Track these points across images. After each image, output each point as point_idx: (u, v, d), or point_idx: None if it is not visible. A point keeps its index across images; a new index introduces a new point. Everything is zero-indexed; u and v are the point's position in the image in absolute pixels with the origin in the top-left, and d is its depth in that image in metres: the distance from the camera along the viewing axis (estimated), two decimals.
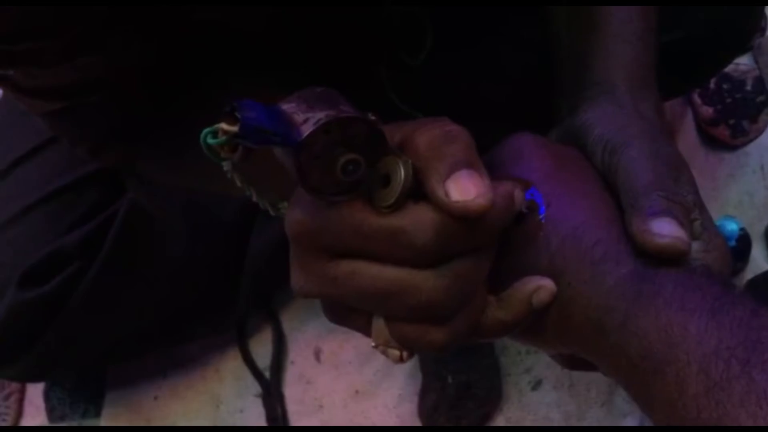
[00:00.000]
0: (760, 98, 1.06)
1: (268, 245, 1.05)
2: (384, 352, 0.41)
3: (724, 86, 1.06)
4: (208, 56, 0.58)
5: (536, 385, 1.03)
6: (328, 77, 0.68)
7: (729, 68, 1.07)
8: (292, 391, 1.15)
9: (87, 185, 0.97)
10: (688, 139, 1.08)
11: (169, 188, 0.96)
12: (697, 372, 0.35)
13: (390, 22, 0.70)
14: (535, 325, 0.43)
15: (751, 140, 1.06)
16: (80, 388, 1.19)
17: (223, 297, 1.11)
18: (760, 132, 1.06)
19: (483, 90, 0.78)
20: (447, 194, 0.36)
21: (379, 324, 0.40)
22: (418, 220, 0.36)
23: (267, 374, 1.16)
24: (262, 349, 1.18)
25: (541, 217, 0.42)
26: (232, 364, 1.20)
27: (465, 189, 0.36)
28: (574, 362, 0.47)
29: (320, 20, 0.61)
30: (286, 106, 0.35)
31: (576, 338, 0.42)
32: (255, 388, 1.17)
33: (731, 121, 1.05)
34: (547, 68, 0.58)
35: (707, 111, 1.06)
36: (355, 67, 0.70)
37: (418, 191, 0.37)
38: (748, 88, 1.07)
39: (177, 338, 1.15)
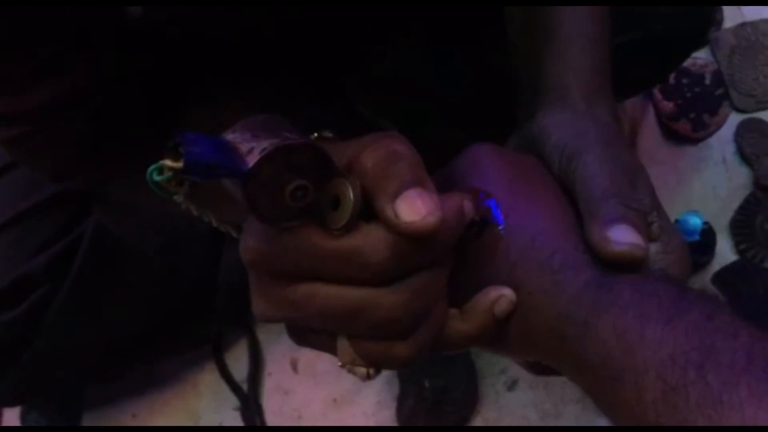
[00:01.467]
0: (719, 91, 1.07)
1: (239, 259, 1.05)
2: (351, 371, 0.41)
3: (684, 81, 1.07)
4: (176, 72, 0.58)
5: (512, 385, 1.03)
6: (297, 87, 0.68)
7: (687, 63, 1.08)
8: (270, 402, 1.15)
9: (51, 207, 0.96)
10: (650, 134, 1.09)
11: (140, 208, 0.96)
12: (655, 378, 0.36)
13: (355, 31, 0.70)
14: (499, 336, 0.43)
15: (712, 133, 1.08)
16: (57, 409, 1.18)
17: (198, 312, 1.11)
18: (720, 125, 1.07)
19: (450, 96, 0.78)
20: (396, 215, 0.36)
21: (343, 343, 0.40)
22: (371, 240, 0.36)
23: (245, 387, 1.16)
24: (238, 363, 1.18)
25: (500, 228, 0.43)
26: (209, 379, 1.19)
27: (414, 208, 0.36)
28: (541, 368, 0.47)
29: (287, 29, 0.61)
30: (231, 136, 0.35)
31: (538, 347, 0.42)
32: (233, 401, 1.16)
33: (692, 115, 1.06)
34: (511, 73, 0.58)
35: (668, 106, 1.07)
36: (322, 76, 0.70)
37: (370, 211, 0.37)
38: (707, 82, 1.08)
39: (153, 355, 1.14)
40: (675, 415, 0.35)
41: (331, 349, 0.41)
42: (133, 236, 0.98)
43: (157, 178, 0.33)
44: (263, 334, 1.18)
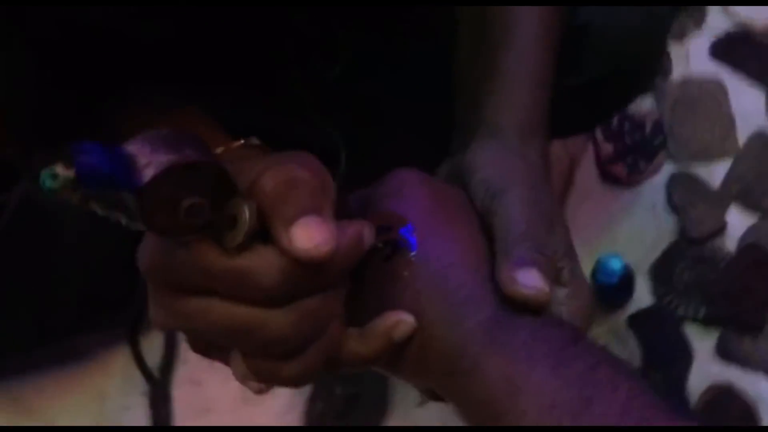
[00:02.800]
0: (658, 140, 1.10)
1: None
2: (245, 384, 0.41)
3: (626, 126, 1.10)
4: (115, 70, 0.57)
5: (423, 401, 1.04)
6: (244, 90, 0.68)
7: (631, 109, 1.11)
8: (180, 392, 1.14)
9: None
10: (587, 173, 1.11)
11: None
12: (532, 422, 0.37)
13: (303, 35, 0.70)
14: (396, 359, 0.43)
15: (645, 179, 1.11)
16: None
17: (119, 291, 1.09)
18: (655, 172, 1.10)
19: (399, 105, 0.78)
20: (290, 241, 0.36)
21: (236, 359, 0.41)
22: (264, 262, 0.36)
23: (157, 373, 1.14)
24: (153, 348, 1.16)
25: (411, 255, 0.43)
26: (121, 361, 1.17)
27: (309, 235, 0.36)
28: (434, 394, 0.48)
29: (226, 32, 0.60)
30: (130, 148, 0.34)
31: (431, 375, 0.43)
32: (143, 386, 1.15)
33: (629, 160, 1.09)
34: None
35: (607, 148, 1.10)
36: (268, 80, 0.70)
37: (268, 233, 0.37)
38: (648, 129, 1.11)
39: (69, 330, 1.12)
40: None
41: (227, 362, 0.41)
42: (54, 209, 0.96)
43: (49, 184, 0.32)
44: None
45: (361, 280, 0.43)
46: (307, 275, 0.37)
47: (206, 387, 1.13)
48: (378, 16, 0.73)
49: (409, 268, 0.43)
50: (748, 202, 1.05)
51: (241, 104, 0.70)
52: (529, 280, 0.41)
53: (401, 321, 0.42)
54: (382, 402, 1.04)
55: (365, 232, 0.40)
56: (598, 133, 1.10)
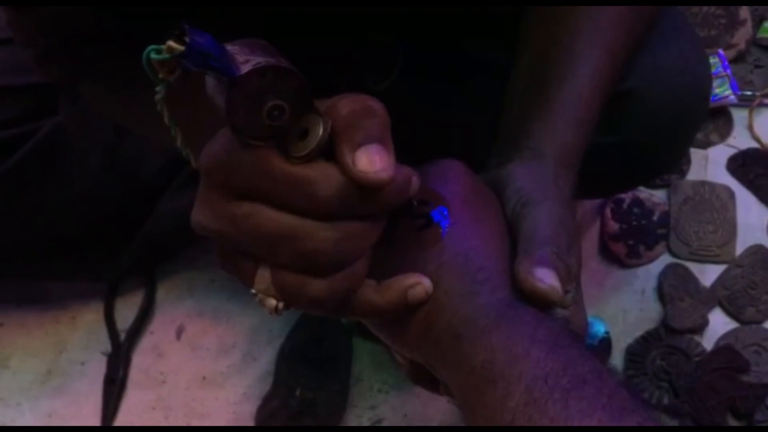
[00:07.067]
0: (661, 231, 1.14)
1: (174, 213, 1.05)
2: (261, 301, 0.43)
3: (635, 210, 1.14)
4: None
5: (376, 422, 1.04)
6: None
7: (644, 196, 1.15)
8: (141, 359, 1.13)
9: (16, 96, 0.96)
10: (588, 245, 1.14)
11: (100, 125, 0.96)
12: (524, 389, 0.39)
13: (362, 47, 0.73)
14: (402, 321, 0.46)
15: (642, 264, 1.14)
16: None
17: (111, 247, 1.09)
18: (652, 260, 1.13)
19: (438, 122, 0.81)
20: (354, 162, 0.39)
21: (263, 272, 0.42)
22: (325, 174, 0.39)
23: (122, 336, 1.14)
24: (127, 312, 1.16)
25: (443, 230, 0.46)
26: (90, 317, 1.17)
27: (371, 160, 0.39)
28: (419, 375, 0.50)
29: (295, 32, 0.63)
30: (230, 48, 0.37)
31: (433, 343, 0.45)
32: (105, 345, 1.14)
33: (630, 242, 1.12)
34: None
35: (613, 226, 1.13)
36: (316, 81, 0.73)
37: (332, 154, 0.39)
38: (655, 218, 1.14)
39: (50, 270, 1.11)
40: (528, 423, 0.38)
41: (250, 278, 0.43)
42: (83, 144, 0.97)
43: (154, 56, 0.35)
44: (163, 294, 1.17)
45: (390, 242, 0.45)
46: (360, 198, 0.39)
47: (168, 360, 1.12)
48: (444, 44, 0.76)
49: (438, 243, 0.46)
50: (731, 309, 1.08)
51: None
52: (547, 277, 0.44)
53: (420, 283, 0.45)
54: (336, 414, 1.04)
55: (414, 178, 0.43)
56: (608, 211, 1.14)
